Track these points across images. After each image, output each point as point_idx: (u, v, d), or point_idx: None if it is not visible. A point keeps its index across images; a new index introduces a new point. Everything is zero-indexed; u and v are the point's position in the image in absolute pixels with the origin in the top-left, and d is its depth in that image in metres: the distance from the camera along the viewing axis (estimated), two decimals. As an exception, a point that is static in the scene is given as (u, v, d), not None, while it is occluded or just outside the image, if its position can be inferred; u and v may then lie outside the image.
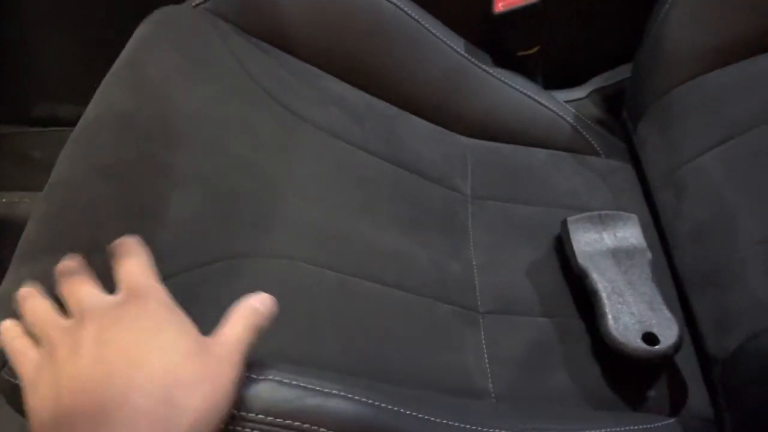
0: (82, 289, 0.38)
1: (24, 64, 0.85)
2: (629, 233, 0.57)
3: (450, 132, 0.72)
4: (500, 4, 0.66)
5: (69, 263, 0.41)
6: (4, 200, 0.87)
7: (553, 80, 0.75)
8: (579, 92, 0.75)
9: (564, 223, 0.58)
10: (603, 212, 0.59)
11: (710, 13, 0.62)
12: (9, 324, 0.39)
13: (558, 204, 0.65)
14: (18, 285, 0.42)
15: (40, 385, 0.34)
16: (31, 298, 0.40)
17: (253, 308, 0.38)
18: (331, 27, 0.67)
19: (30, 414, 0.34)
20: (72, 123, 0.88)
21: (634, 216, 0.58)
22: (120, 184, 0.49)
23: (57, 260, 0.43)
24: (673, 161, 0.60)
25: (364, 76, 0.69)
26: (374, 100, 0.70)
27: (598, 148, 0.71)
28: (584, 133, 0.71)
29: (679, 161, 0.60)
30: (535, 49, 0.72)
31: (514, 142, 0.72)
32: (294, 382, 0.37)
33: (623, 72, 0.75)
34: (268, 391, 0.36)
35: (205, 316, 0.39)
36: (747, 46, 0.61)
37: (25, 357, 0.37)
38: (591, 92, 0.74)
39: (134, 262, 0.39)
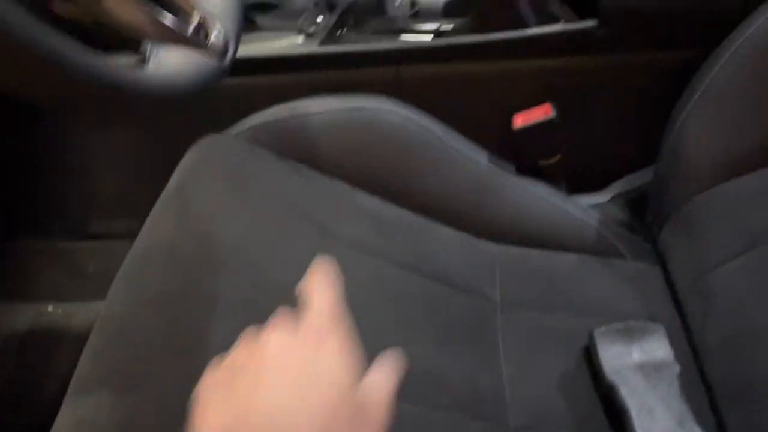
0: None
1: (79, 183, 0.93)
2: (656, 345, 0.58)
3: (478, 239, 0.74)
4: (518, 122, 0.70)
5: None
6: (60, 311, 0.93)
7: (576, 185, 0.78)
8: (602, 196, 0.77)
9: (591, 337, 0.59)
10: (630, 323, 0.60)
11: (726, 123, 0.65)
12: None
13: (587, 310, 0.67)
14: (72, 421, 0.46)
15: (214, 401, 0.34)
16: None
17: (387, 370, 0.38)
18: (361, 149, 0.71)
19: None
20: (124, 236, 0.94)
21: (661, 327, 0.59)
22: (167, 317, 0.53)
23: (107, 396, 0.47)
24: (698, 270, 0.61)
25: (393, 192, 0.73)
26: (403, 213, 0.73)
27: (624, 252, 0.72)
28: (610, 236, 0.73)
29: (703, 270, 0.61)
30: (556, 158, 0.75)
31: (541, 246, 0.74)
32: None
33: (645, 175, 0.77)
34: None
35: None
36: (763, 155, 0.62)
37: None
38: (614, 196, 0.76)
39: (321, 293, 0.38)
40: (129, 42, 0.41)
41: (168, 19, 0.40)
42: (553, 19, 0.75)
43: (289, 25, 0.81)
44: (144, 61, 0.39)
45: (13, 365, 0.90)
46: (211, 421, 0.34)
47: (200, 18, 0.43)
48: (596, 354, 0.58)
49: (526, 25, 0.73)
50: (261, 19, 0.83)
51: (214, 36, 0.44)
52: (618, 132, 0.77)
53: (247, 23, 0.81)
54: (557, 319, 0.66)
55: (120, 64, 0.35)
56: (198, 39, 0.42)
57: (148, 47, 0.40)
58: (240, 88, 0.76)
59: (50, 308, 0.94)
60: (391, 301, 0.64)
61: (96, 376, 0.49)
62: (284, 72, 0.78)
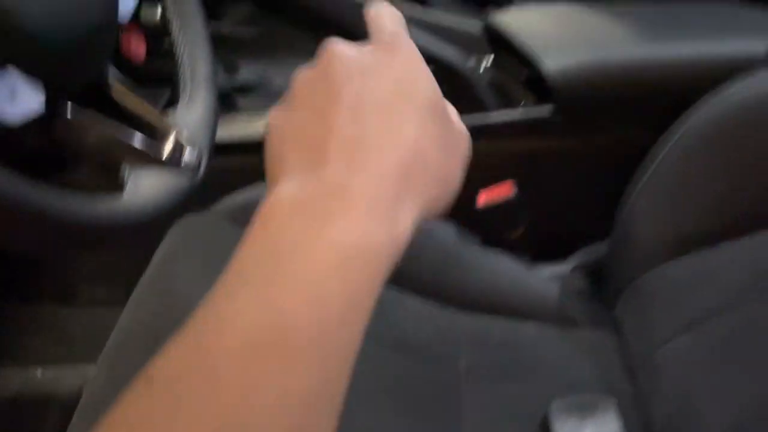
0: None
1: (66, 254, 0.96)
2: (607, 419, 0.62)
3: (443, 309, 0.78)
4: (482, 199, 0.74)
5: None
6: (48, 375, 0.96)
7: (539, 256, 0.82)
8: (564, 267, 0.81)
9: (548, 412, 0.63)
10: (585, 397, 0.63)
11: (670, 204, 0.69)
12: None
13: (547, 381, 0.70)
14: None
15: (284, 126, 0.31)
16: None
17: None
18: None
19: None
20: (110, 303, 0.97)
21: (613, 401, 0.63)
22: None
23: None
24: (646, 347, 0.65)
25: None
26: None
27: (583, 321, 0.76)
28: (570, 306, 0.77)
29: (650, 348, 0.65)
30: (519, 231, 0.80)
31: (505, 315, 0.78)
32: None
33: (606, 246, 0.81)
34: None
35: None
36: (707, 235, 0.67)
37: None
38: (575, 266, 0.81)
39: (386, 16, 0.34)
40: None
41: (145, 143, 0.44)
42: (513, 103, 0.80)
43: (269, 107, 0.85)
44: (121, 187, 0.43)
45: (4, 430, 0.93)
46: (290, 160, 0.30)
47: (175, 138, 0.47)
48: (552, 430, 0.62)
49: (486, 109, 0.78)
50: (241, 101, 0.88)
51: (188, 154, 0.48)
52: (577, 206, 0.82)
53: (228, 105, 0.86)
54: (518, 389, 0.70)
55: (94, 200, 0.38)
56: (173, 159, 0.46)
57: (126, 172, 0.44)
58: (220, 168, 0.80)
59: (39, 373, 0.97)
60: (356, 370, 0.67)
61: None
62: (263, 153, 0.83)
